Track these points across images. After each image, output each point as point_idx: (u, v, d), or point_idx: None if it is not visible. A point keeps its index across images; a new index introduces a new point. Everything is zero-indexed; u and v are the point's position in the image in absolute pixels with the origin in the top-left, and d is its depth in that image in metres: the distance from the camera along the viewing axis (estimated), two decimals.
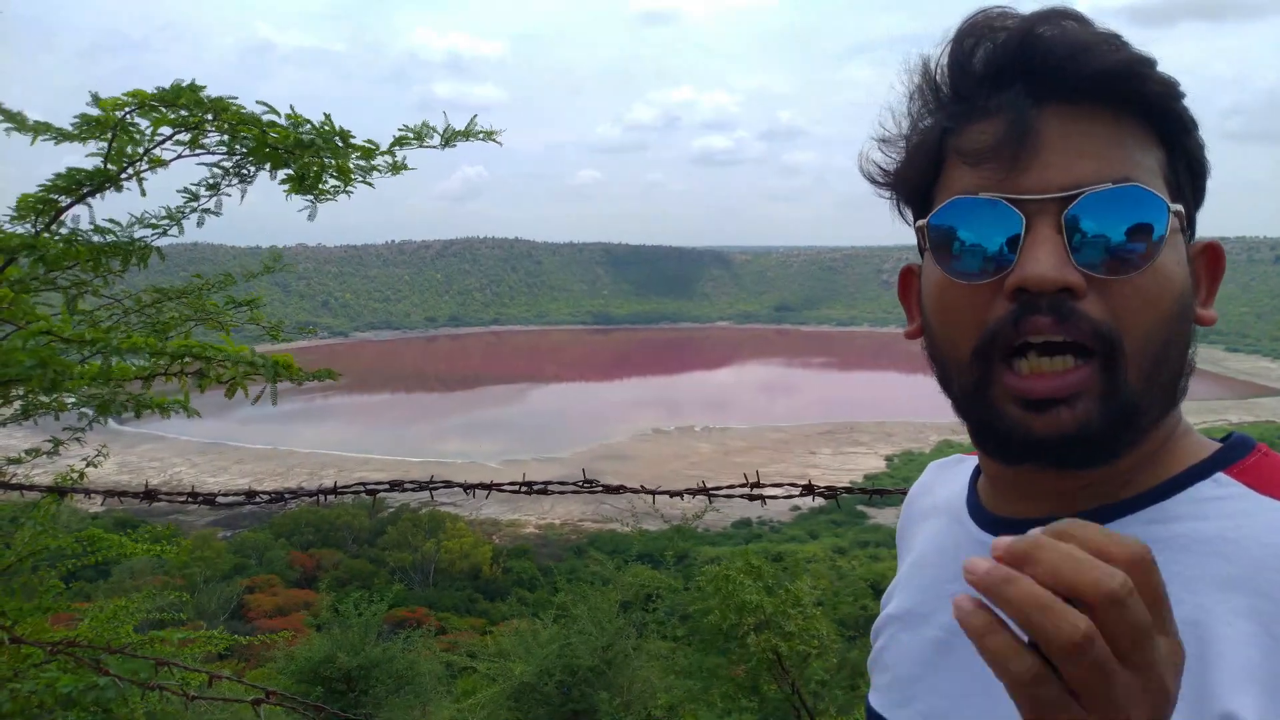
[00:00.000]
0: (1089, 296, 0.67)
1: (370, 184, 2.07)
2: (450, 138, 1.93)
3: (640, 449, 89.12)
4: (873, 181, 0.84)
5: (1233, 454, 0.72)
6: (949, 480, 0.94)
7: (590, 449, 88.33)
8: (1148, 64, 0.70)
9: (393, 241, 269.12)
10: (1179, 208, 0.70)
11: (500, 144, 2.13)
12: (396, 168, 2.02)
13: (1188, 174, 0.74)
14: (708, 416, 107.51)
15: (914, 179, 0.79)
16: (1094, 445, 0.68)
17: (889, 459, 77.96)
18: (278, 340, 2.52)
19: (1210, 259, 0.76)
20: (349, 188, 2.08)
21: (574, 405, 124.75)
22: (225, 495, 1.87)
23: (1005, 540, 0.49)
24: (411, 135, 1.91)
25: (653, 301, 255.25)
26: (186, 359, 1.63)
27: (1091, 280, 0.67)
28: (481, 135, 2.03)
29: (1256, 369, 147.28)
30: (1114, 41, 0.71)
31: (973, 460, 0.92)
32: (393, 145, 1.91)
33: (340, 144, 1.81)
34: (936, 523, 0.92)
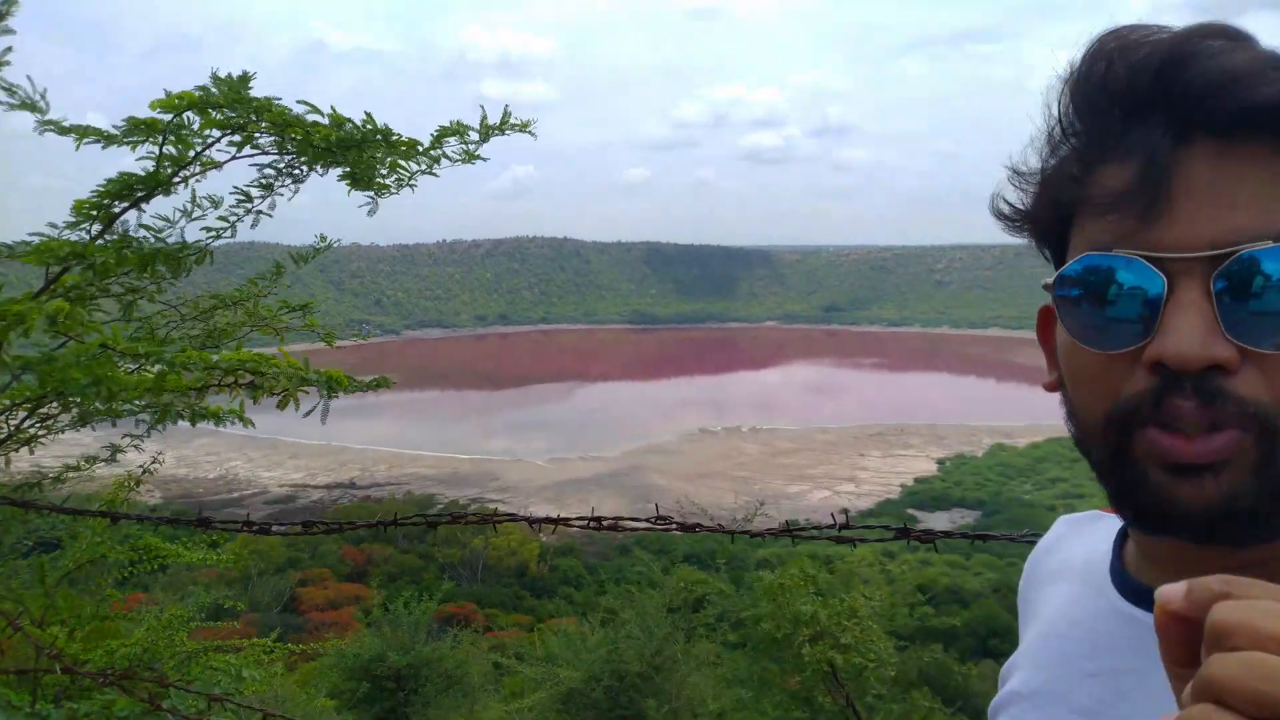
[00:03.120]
0: (1243, 371, 0.58)
1: (435, 174, 2.04)
2: (486, 133, 1.90)
3: (686, 449, 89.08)
4: (1001, 218, 0.74)
5: None
6: (1084, 539, 0.84)
7: (636, 448, 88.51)
8: None
9: (444, 241, 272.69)
10: None
11: (534, 135, 2.10)
12: (470, 156, 1.99)
13: None
14: (755, 417, 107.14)
15: (1043, 223, 0.71)
16: (1240, 521, 0.60)
17: (940, 462, 76.92)
18: (331, 345, 2.48)
19: None
20: (411, 182, 2.05)
21: (621, 404, 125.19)
22: (280, 525, 1.82)
23: (1179, 587, 0.43)
24: (450, 131, 1.89)
25: (700, 301, 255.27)
26: (240, 372, 1.59)
27: (1247, 353, 0.58)
28: (516, 127, 1.99)
29: None
30: (1275, 65, 0.60)
31: (1113, 519, 0.82)
32: (433, 143, 1.88)
33: (382, 141, 1.77)
34: (1069, 588, 0.82)
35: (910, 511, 61.45)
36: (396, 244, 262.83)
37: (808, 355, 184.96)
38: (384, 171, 1.99)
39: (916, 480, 71.66)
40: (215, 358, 1.61)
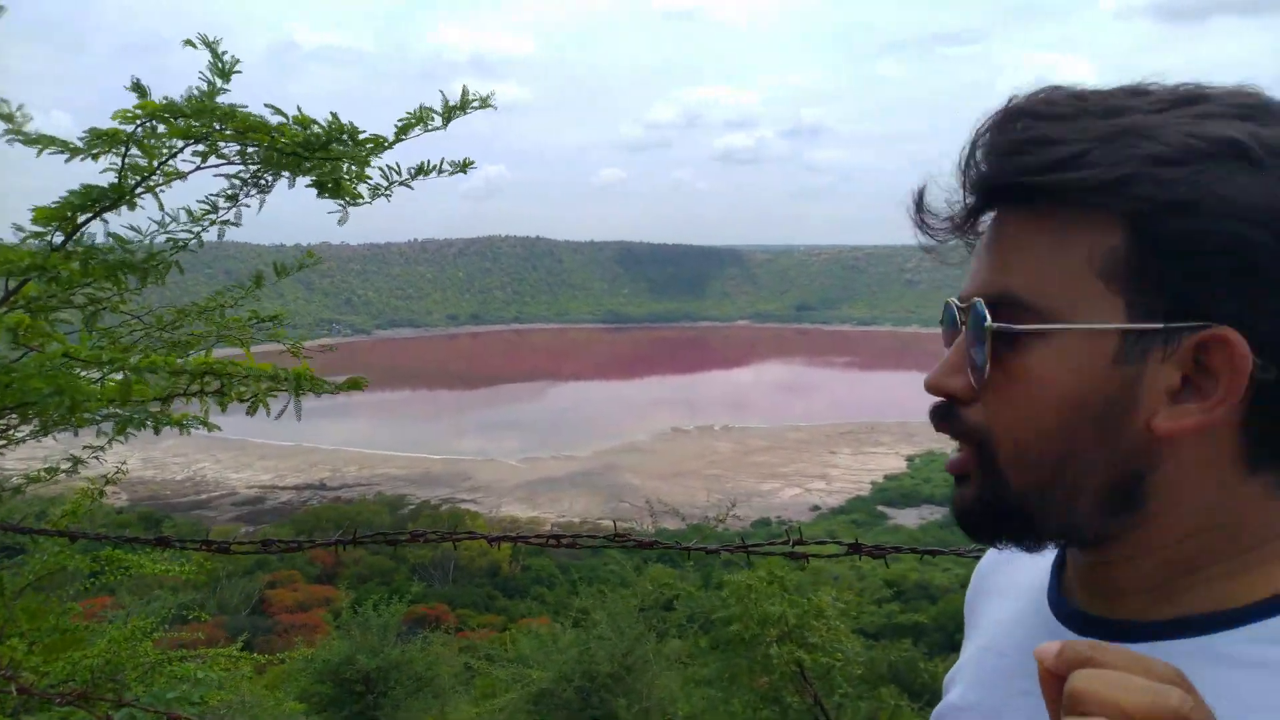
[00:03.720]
0: (979, 401, 0.70)
1: (410, 185, 2.04)
2: (449, 115, 1.90)
3: (659, 447, 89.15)
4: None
5: None
6: (1023, 557, 0.84)
7: (609, 447, 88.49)
8: (1075, 162, 0.63)
9: (415, 240, 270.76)
10: (1000, 326, 0.67)
11: (495, 108, 2.10)
12: (424, 171, 1.99)
13: (1170, 258, 0.62)
14: (727, 416, 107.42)
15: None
16: (976, 526, 0.73)
17: (910, 459, 77.53)
18: (298, 356, 2.48)
19: (1213, 357, 0.62)
20: (386, 191, 2.05)
21: (594, 403, 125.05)
22: (240, 543, 1.83)
23: (1052, 646, 0.51)
24: (413, 119, 1.89)
25: (673, 300, 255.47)
26: (206, 377, 1.60)
27: (982, 386, 0.70)
28: (477, 104, 2.00)
29: None
30: (1042, 141, 0.65)
31: None
32: (398, 134, 1.88)
33: (349, 141, 1.77)
34: (1012, 605, 0.85)
35: (880, 508, 61.93)
36: (367, 243, 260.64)
37: (780, 354, 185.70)
38: (350, 179, 1.99)
39: (886, 477, 72.17)
40: (181, 362, 1.61)
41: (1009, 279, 0.68)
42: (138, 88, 1.83)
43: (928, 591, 29.20)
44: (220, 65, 1.76)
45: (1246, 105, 0.64)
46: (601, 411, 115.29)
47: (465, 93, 2.02)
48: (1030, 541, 0.72)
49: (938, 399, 0.73)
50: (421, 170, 1.86)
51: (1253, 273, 0.60)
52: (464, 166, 1.93)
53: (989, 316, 0.67)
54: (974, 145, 0.69)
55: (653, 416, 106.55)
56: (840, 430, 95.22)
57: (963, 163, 0.70)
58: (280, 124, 1.85)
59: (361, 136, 1.93)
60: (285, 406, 1.82)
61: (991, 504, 0.71)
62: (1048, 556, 0.83)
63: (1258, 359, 0.60)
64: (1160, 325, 0.62)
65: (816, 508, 63.55)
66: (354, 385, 2.07)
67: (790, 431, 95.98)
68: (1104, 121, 0.64)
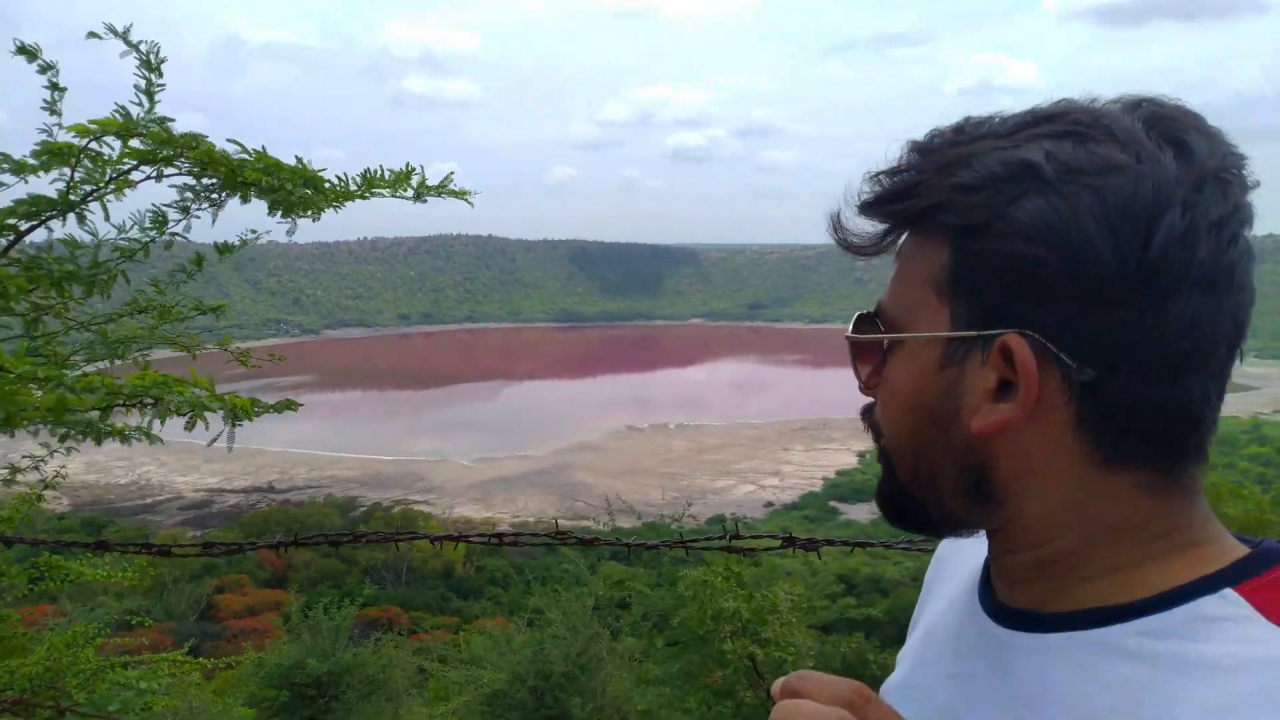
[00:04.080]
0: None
1: (366, 197, 2.04)
2: (421, 194, 1.91)
3: (614, 446, 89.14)
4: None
5: (1252, 567, 0.67)
6: (978, 544, 0.88)
7: (564, 446, 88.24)
8: (909, 192, 0.72)
9: (365, 238, 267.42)
10: (850, 336, 0.80)
11: (472, 205, 2.12)
12: (418, 195, 2.00)
13: (987, 271, 0.68)
14: (682, 413, 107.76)
15: None
16: (889, 514, 0.80)
17: (861, 455, 78.38)
18: (246, 366, 2.45)
19: (1015, 360, 0.67)
20: (337, 204, 2.05)
21: (548, 402, 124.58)
22: (182, 545, 1.82)
23: (784, 679, 0.70)
24: (383, 183, 1.89)
25: (626, 299, 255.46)
26: (144, 398, 1.58)
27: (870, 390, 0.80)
28: (455, 193, 2.01)
29: None
30: (904, 166, 0.73)
31: None
32: (365, 188, 1.88)
33: (312, 191, 1.77)
34: (954, 591, 0.88)
35: (832, 503, 62.61)
36: (316, 241, 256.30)
37: (733, 352, 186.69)
38: (307, 204, 1.98)
39: (838, 473, 72.99)
40: (120, 382, 1.60)
41: (884, 295, 0.78)
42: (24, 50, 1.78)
43: (879, 585, 29.58)
44: (146, 58, 1.74)
45: (1075, 123, 0.68)
46: (556, 411, 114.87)
47: (448, 178, 2.03)
48: (929, 528, 0.80)
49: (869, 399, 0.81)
50: (369, 183, 1.86)
51: (1039, 285, 0.66)
52: (464, 194, 1.94)
53: (850, 328, 0.79)
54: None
55: (607, 415, 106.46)
56: (793, 427, 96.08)
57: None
58: (241, 160, 1.83)
59: (325, 186, 1.92)
60: (220, 435, 1.82)
61: (892, 494, 0.79)
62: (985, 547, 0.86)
63: (1070, 362, 0.65)
64: (973, 333, 0.69)
65: (770, 504, 64.03)
66: (286, 407, 2.07)
67: (744, 429, 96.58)
68: (951, 151, 0.71)
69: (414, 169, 1.93)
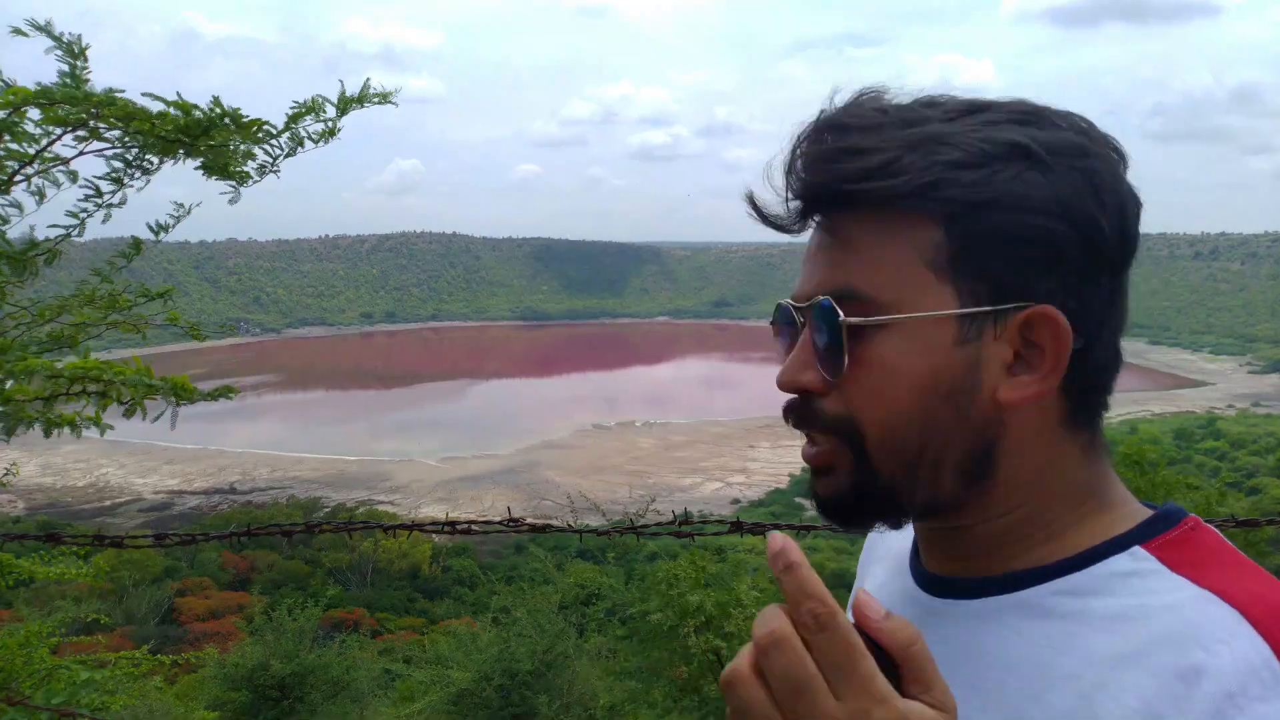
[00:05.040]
0: (834, 393, 0.74)
1: (296, 153, 1.97)
2: (344, 106, 1.85)
3: (581, 444, 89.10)
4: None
5: (1156, 527, 0.73)
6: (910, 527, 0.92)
7: (530, 444, 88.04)
8: (876, 172, 0.70)
9: (326, 236, 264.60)
10: (856, 320, 0.72)
11: (396, 104, 2.06)
12: (327, 133, 1.93)
13: (990, 246, 0.70)
14: (648, 411, 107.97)
15: None
16: (848, 511, 0.76)
17: None
18: (200, 340, 2.39)
19: (1038, 332, 0.70)
20: (274, 169, 1.98)
21: (514, 401, 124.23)
22: (134, 536, 1.77)
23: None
24: (304, 109, 1.83)
25: (591, 297, 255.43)
26: (84, 380, 1.53)
27: (835, 379, 0.73)
28: (376, 99, 1.96)
29: (1177, 361, 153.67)
30: (851, 151, 0.71)
31: None
32: (287, 124, 1.83)
33: (231, 124, 1.71)
34: (887, 567, 0.92)
35: (798, 500, 63.00)
36: (276, 239, 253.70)
37: (699, 350, 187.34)
38: (241, 158, 1.93)
39: (804, 470, 73.45)
40: (60, 365, 1.55)
41: (848, 276, 0.72)
42: None
43: (844, 580, 29.90)
44: (69, 46, 1.69)
45: (1023, 113, 0.73)
46: (522, 409, 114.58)
47: (366, 85, 1.98)
48: (896, 520, 0.77)
49: (791, 396, 0.77)
50: (295, 139, 1.81)
51: (1060, 258, 0.69)
52: (386, 98, 1.89)
53: (841, 312, 0.72)
54: (793, 155, 0.74)
55: (573, 413, 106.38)
56: (759, 424, 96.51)
57: (785, 170, 0.75)
58: (160, 111, 1.78)
59: (245, 120, 1.86)
60: (162, 413, 1.78)
61: (864, 489, 0.75)
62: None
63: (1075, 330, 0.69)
64: (989, 308, 0.70)
65: (737, 501, 64.36)
66: (224, 392, 2.03)
67: (711, 426, 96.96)
68: (906, 131, 0.71)
69: (328, 97, 1.87)
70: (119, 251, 2.08)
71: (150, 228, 1.99)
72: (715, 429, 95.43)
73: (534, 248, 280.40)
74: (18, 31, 1.72)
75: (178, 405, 1.62)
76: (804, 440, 0.78)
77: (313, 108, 1.82)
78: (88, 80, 1.71)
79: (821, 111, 0.75)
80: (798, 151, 0.74)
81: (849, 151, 0.71)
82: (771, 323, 0.82)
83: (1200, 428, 78.59)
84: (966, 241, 0.70)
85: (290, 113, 1.84)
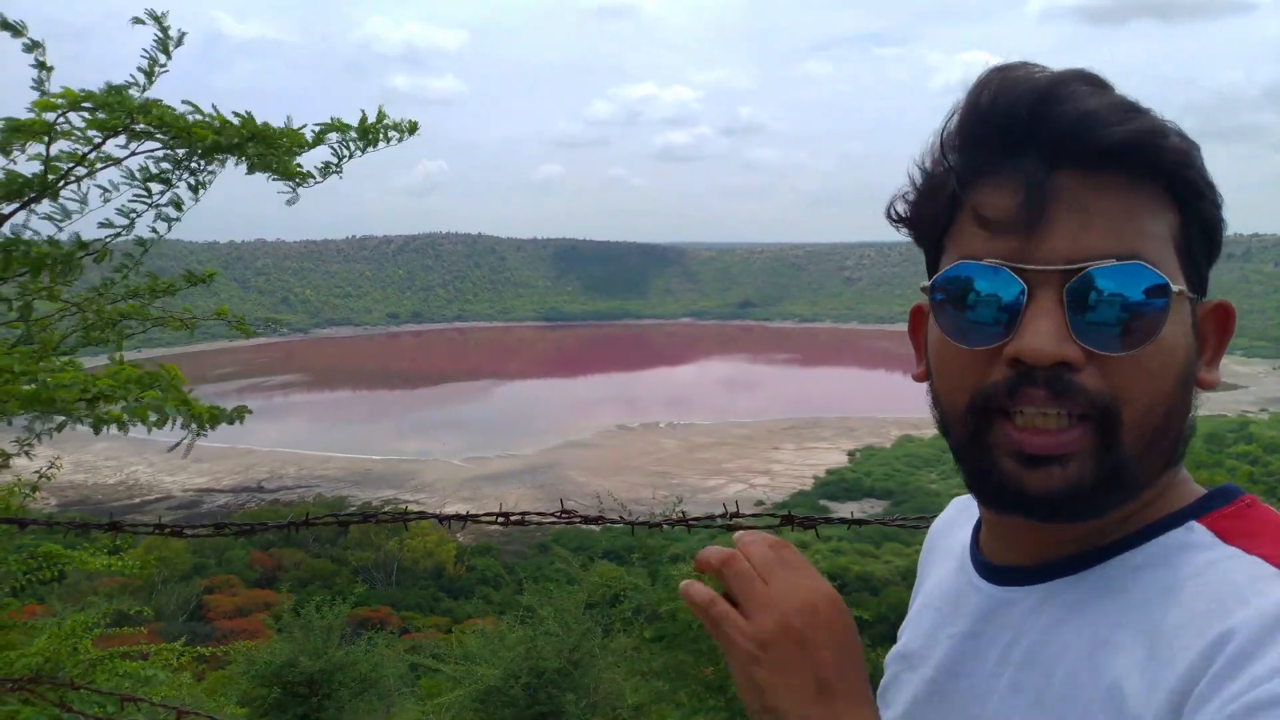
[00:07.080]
0: (1088, 369, 0.68)
1: (360, 153, 2.02)
2: (365, 134, 1.90)
3: (603, 444, 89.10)
4: (890, 219, 0.83)
5: (1212, 503, 0.74)
6: (966, 521, 0.94)
7: (554, 445, 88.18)
8: (1160, 133, 0.69)
9: (353, 236, 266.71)
10: (1180, 288, 0.70)
11: (417, 135, 2.09)
12: (401, 131, 1.98)
13: (1201, 236, 0.73)
14: (672, 413, 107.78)
15: (924, 226, 0.80)
16: (1083, 504, 0.71)
17: (851, 454, 78.61)
18: (247, 335, 2.44)
19: (1220, 319, 0.76)
20: (336, 170, 2.03)
21: (538, 402, 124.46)
22: (194, 526, 1.81)
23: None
24: (330, 127, 1.88)
25: (615, 298, 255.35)
26: (113, 399, 1.59)
27: (1091, 355, 0.68)
28: (395, 130, 1.99)
29: None
30: (1128, 109, 0.70)
31: None
32: (316, 138, 1.87)
33: (263, 142, 1.76)
34: (948, 565, 0.93)
35: (822, 502, 62.71)
36: (304, 240, 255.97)
37: (723, 351, 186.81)
38: (288, 161, 1.97)
39: (828, 471, 73.06)
40: (92, 385, 1.59)
41: (1135, 244, 0.69)
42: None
43: (869, 584, 29.67)
44: (168, 40, 1.74)
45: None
46: (546, 409, 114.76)
47: (380, 114, 2.01)
48: (1112, 509, 0.73)
49: (1043, 368, 0.68)
50: (367, 136, 1.85)
51: (1218, 250, 0.74)
52: (413, 129, 1.92)
53: (1170, 281, 0.68)
54: (1015, 108, 0.70)
55: (597, 414, 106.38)
56: (783, 426, 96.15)
57: (1005, 124, 0.71)
58: (196, 121, 1.82)
59: (272, 137, 1.90)
60: (180, 443, 1.84)
61: (1109, 478, 0.70)
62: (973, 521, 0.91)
63: None
64: (1197, 296, 0.74)
65: (761, 502, 63.98)
66: (239, 415, 2.11)
67: (734, 428, 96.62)
68: (1116, 96, 0.71)
69: (342, 124, 1.91)
70: (134, 243, 2.12)
71: (153, 228, 2.04)
72: (739, 430, 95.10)
73: (558, 248, 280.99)
74: (138, 20, 1.77)
75: (196, 435, 1.66)
76: (1004, 425, 0.71)
77: (337, 127, 1.86)
78: (165, 70, 1.75)
79: (1000, 69, 0.73)
80: (1021, 105, 0.70)
81: (1128, 109, 0.70)
82: (934, 290, 0.75)
83: (1232, 431, 77.48)
84: (1190, 229, 0.72)
85: (316, 130, 1.88)
